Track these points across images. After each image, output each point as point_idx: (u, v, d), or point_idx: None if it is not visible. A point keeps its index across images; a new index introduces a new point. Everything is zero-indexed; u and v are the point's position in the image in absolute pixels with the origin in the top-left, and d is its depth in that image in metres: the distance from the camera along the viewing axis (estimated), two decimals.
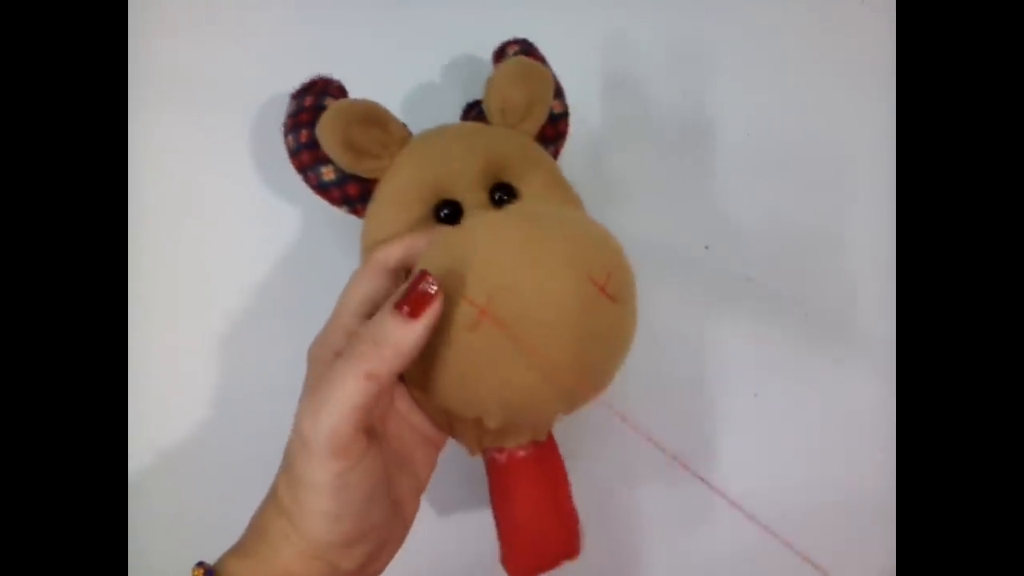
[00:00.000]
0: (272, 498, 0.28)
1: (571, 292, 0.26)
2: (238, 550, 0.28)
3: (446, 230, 0.29)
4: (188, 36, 0.46)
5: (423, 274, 0.26)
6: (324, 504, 0.26)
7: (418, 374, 0.28)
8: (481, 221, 0.28)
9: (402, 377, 0.31)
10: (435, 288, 0.25)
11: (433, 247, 0.28)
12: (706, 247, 0.47)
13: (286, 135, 0.37)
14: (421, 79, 0.48)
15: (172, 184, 0.45)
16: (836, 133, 0.49)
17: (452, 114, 0.42)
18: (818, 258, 0.47)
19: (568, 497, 0.35)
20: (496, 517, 0.34)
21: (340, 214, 0.37)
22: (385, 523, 0.29)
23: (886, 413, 0.43)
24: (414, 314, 0.25)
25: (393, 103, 0.37)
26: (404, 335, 0.25)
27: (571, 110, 0.40)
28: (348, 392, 0.25)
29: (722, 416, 0.46)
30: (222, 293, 0.44)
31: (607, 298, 0.27)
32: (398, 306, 0.26)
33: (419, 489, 0.32)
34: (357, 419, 0.25)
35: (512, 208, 0.29)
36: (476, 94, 0.40)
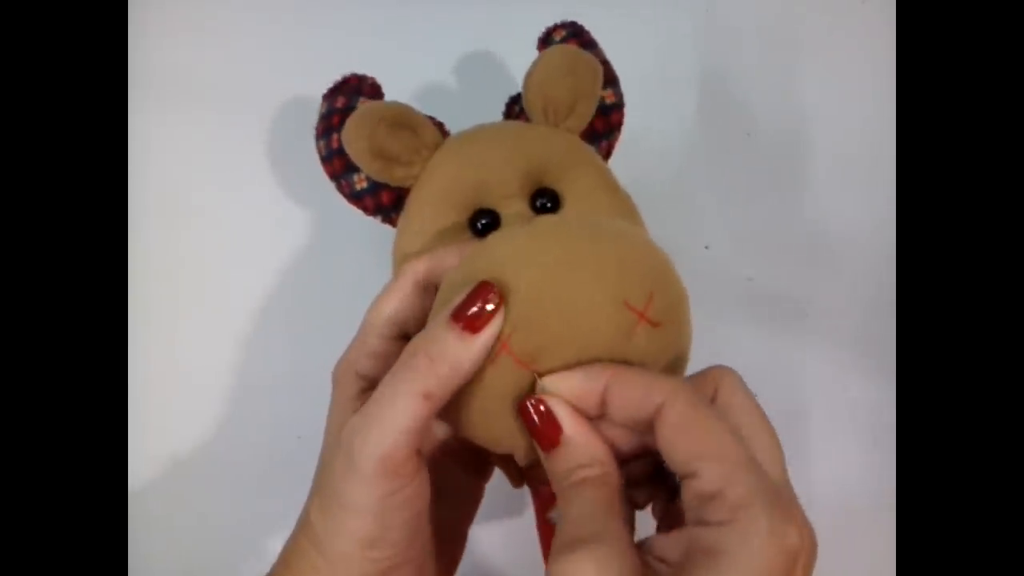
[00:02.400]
0: (303, 526, 0.26)
1: (600, 324, 0.24)
2: None
3: (475, 246, 0.27)
4: (188, 37, 0.46)
5: (484, 285, 0.24)
6: (363, 528, 0.24)
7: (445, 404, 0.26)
8: (508, 239, 0.26)
9: None
10: (496, 302, 0.23)
11: (458, 269, 0.26)
12: (706, 247, 0.47)
13: (317, 140, 0.35)
14: (426, 78, 0.47)
15: (172, 184, 0.45)
16: (836, 133, 0.48)
17: (464, 116, 0.40)
18: (818, 258, 0.47)
19: None
20: (544, 550, 0.31)
21: (345, 215, 0.36)
22: (423, 558, 0.27)
23: (886, 413, 0.43)
24: (472, 328, 0.23)
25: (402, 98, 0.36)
26: (462, 351, 0.23)
27: None
28: (402, 411, 0.23)
29: None
30: (222, 294, 0.44)
31: (648, 324, 0.24)
32: (454, 317, 0.23)
33: (464, 522, 0.31)
34: (411, 439, 0.24)
35: (543, 222, 0.27)
36: (493, 93, 0.38)
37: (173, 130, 0.45)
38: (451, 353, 0.23)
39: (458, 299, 0.24)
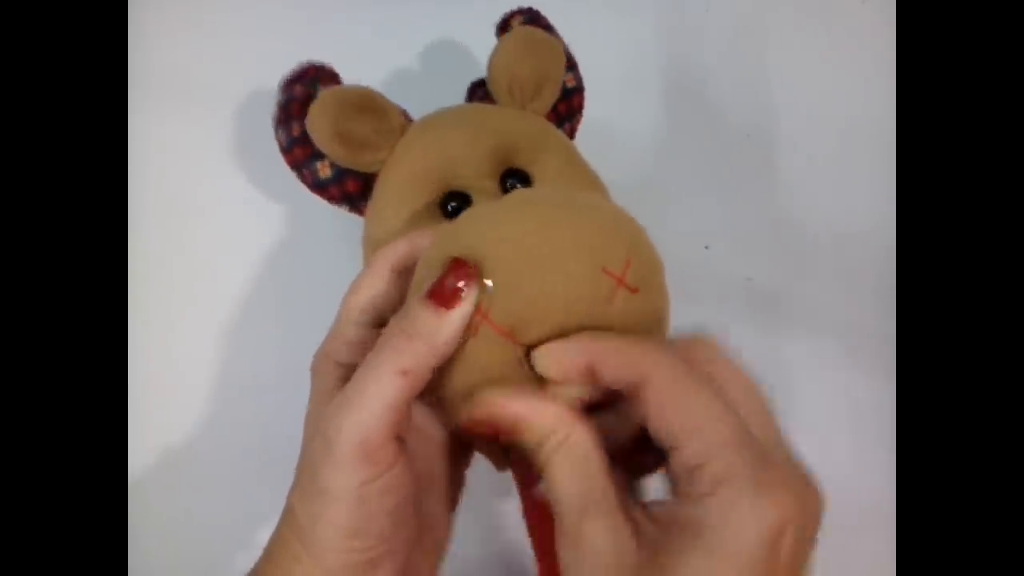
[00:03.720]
0: (286, 517, 0.26)
1: (580, 291, 0.24)
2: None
3: (449, 224, 0.27)
4: (188, 36, 0.46)
5: (457, 262, 0.24)
6: (343, 516, 0.23)
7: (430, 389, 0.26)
8: (482, 211, 0.26)
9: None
10: (471, 277, 0.23)
11: (433, 244, 0.26)
12: (706, 247, 0.47)
13: (276, 129, 0.34)
14: (426, 79, 0.47)
15: (171, 184, 0.45)
16: (836, 133, 0.49)
17: (432, 104, 0.38)
18: (818, 258, 0.47)
19: None
20: (530, 532, 0.31)
21: (340, 212, 0.37)
22: (408, 549, 0.26)
23: (886, 413, 0.43)
24: (447, 304, 0.23)
25: (397, 99, 0.36)
26: (437, 327, 0.23)
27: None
28: (380, 390, 0.23)
29: None
30: (221, 293, 0.44)
31: (627, 290, 0.24)
32: (429, 295, 0.23)
33: (449, 510, 0.30)
34: (390, 420, 0.23)
35: (516, 194, 0.27)
36: (457, 79, 0.39)
37: (173, 130, 0.45)
38: (427, 329, 0.23)
39: (433, 277, 0.24)
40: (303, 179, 0.34)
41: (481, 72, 0.36)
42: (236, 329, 0.44)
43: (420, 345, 0.23)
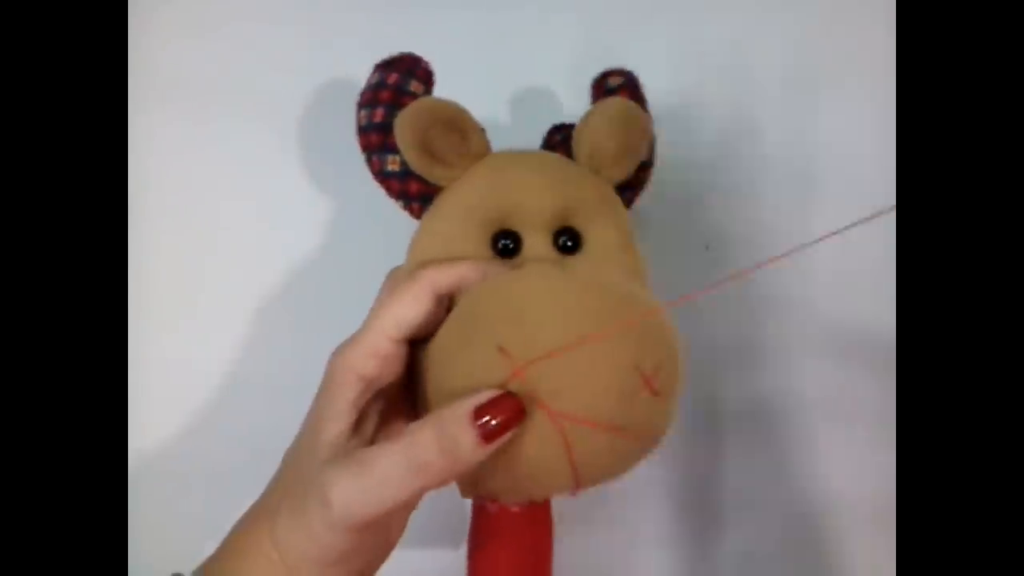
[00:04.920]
0: (270, 532, 0.27)
1: (614, 381, 0.25)
2: (218, 569, 0.28)
3: (503, 273, 0.28)
4: (188, 37, 0.47)
5: (509, 399, 0.25)
6: (328, 556, 0.26)
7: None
8: (543, 276, 0.27)
9: (407, 396, 0.30)
10: (519, 416, 0.25)
11: (485, 289, 0.27)
12: (706, 247, 0.47)
13: (360, 108, 0.34)
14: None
15: (172, 184, 0.45)
16: (836, 134, 0.49)
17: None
18: (818, 258, 0.47)
19: (548, 562, 0.32)
20: (469, 567, 0.32)
21: (344, 214, 0.37)
22: (381, 560, 0.29)
23: (886, 413, 0.43)
24: (490, 438, 0.24)
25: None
26: (474, 454, 0.24)
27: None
28: (398, 492, 0.25)
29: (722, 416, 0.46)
30: (223, 293, 0.44)
31: (650, 392, 0.26)
32: (476, 415, 0.24)
33: (409, 510, 0.32)
34: (393, 511, 0.25)
35: (578, 272, 0.28)
36: (485, 105, 0.39)
37: (174, 129, 0.45)
38: (464, 453, 0.24)
39: (483, 397, 0.25)
40: (370, 164, 0.34)
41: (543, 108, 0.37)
42: (236, 329, 0.44)
43: (452, 464, 0.25)
